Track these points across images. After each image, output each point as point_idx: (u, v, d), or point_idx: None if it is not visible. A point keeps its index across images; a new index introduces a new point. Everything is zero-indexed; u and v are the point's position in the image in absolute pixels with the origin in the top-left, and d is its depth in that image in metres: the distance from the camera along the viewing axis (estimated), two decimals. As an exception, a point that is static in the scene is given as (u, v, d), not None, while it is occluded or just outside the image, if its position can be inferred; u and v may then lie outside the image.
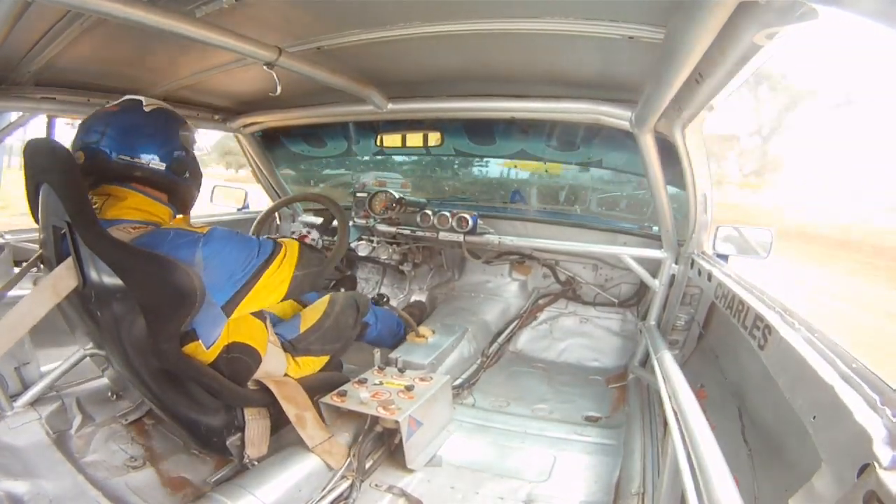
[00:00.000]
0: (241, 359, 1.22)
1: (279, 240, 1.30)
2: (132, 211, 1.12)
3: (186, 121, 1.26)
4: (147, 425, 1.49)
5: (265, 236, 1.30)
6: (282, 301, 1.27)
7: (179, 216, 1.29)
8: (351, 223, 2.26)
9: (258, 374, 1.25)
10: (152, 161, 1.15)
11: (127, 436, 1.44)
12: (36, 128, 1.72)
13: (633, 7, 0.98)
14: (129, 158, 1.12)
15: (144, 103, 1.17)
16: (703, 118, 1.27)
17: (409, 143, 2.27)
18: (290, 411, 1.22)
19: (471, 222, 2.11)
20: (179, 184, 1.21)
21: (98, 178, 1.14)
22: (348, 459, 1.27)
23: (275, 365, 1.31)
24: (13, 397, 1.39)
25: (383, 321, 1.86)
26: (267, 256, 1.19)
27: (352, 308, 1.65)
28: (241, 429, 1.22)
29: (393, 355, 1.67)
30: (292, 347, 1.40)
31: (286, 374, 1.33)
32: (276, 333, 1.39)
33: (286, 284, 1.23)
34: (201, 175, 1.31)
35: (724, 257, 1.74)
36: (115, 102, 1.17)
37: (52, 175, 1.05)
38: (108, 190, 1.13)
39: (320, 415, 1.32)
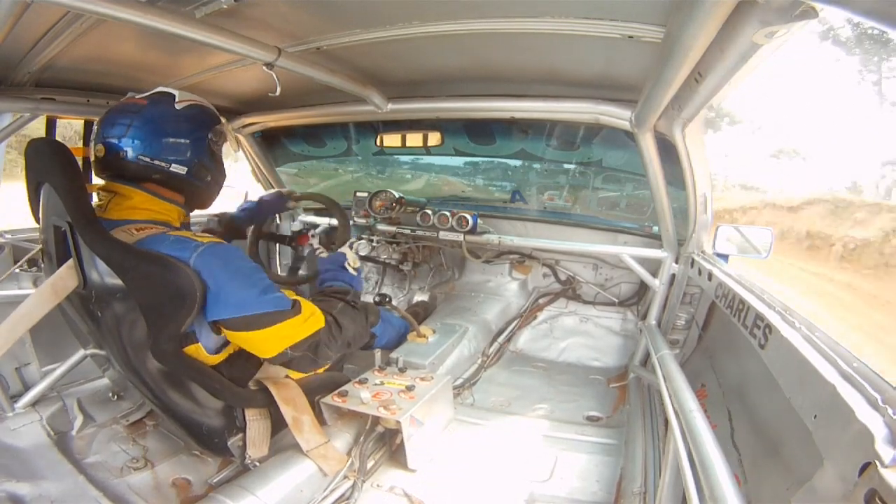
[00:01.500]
0: (241, 361, 1.21)
1: (307, 304, 1.14)
2: (138, 211, 1.10)
3: (221, 118, 1.21)
4: (148, 426, 1.49)
5: (294, 295, 1.13)
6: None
7: (188, 217, 1.28)
8: (351, 222, 2.26)
9: (259, 375, 1.25)
10: (173, 165, 1.10)
11: (128, 437, 1.44)
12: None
13: (633, 7, 0.98)
14: (149, 160, 1.08)
15: (177, 98, 1.12)
16: (703, 118, 1.27)
17: (409, 143, 2.26)
18: (287, 414, 1.20)
19: (471, 222, 2.11)
20: (199, 187, 1.18)
21: (114, 174, 1.10)
22: (350, 460, 1.27)
23: (276, 367, 1.30)
24: (14, 398, 1.40)
25: (390, 329, 1.84)
26: (276, 312, 1.05)
27: (363, 319, 1.62)
28: (243, 429, 1.22)
29: (393, 355, 1.67)
30: None
31: (287, 376, 1.33)
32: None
33: (273, 352, 1.08)
34: (224, 176, 1.27)
35: (725, 257, 1.74)
36: (145, 94, 1.11)
37: (53, 175, 1.04)
38: (114, 188, 1.10)
39: (319, 417, 1.32)
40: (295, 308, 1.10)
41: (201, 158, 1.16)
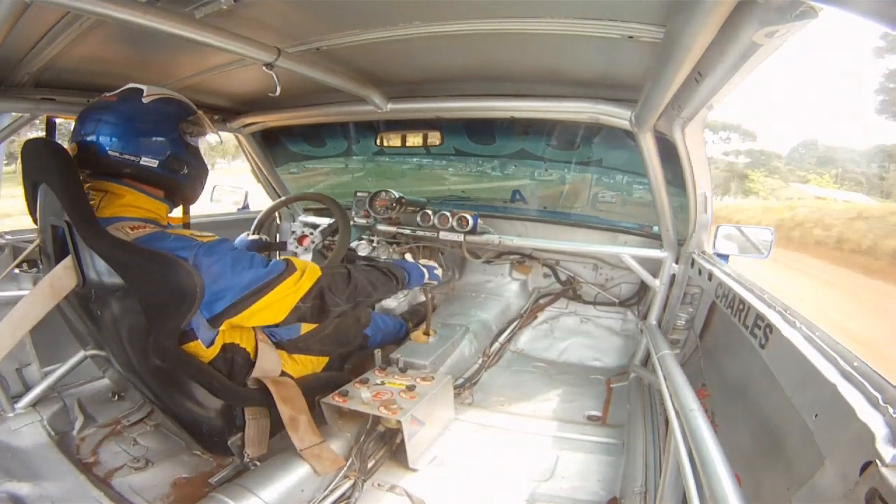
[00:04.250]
0: (237, 358, 1.21)
1: (299, 261, 1.19)
2: (130, 209, 1.10)
3: (196, 110, 1.21)
4: (148, 426, 1.49)
5: (283, 257, 1.24)
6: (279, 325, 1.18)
7: (178, 215, 1.27)
8: (351, 223, 2.26)
9: (256, 373, 1.25)
10: (143, 158, 1.10)
11: (129, 437, 1.44)
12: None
13: (633, 7, 0.98)
14: (118, 154, 1.08)
15: (145, 93, 1.12)
16: (703, 117, 1.27)
17: (409, 143, 2.28)
18: (284, 413, 1.20)
19: (471, 222, 2.11)
20: (175, 181, 1.18)
21: (92, 171, 1.11)
22: (350, 459, 1.27)
23: (269, 363, 1.29)
24: (14, 399, 1.40)
25: (384, 331, 1.85)
26: (272, 277, 1.10)
27: (352, 319, 1.64)
28: (242, 429, 1.22)
29: (394, 355, 1.67)
30: (289, 345, 1.40)
31: (285, 372, 1.33)
32: (274, 333, 1.39)
33: (285, 313, 1.13)
34: (205, 170, 1.26)
35: (725, 257, 1.74)
36: (115, 92, 1.12)
37: (51, 175, 1.04)
38: (104, 186, 1.11)
39: (320, 417, 1.32)
40: (289, 268, 1.15)
41: (173, 151, 1.15)
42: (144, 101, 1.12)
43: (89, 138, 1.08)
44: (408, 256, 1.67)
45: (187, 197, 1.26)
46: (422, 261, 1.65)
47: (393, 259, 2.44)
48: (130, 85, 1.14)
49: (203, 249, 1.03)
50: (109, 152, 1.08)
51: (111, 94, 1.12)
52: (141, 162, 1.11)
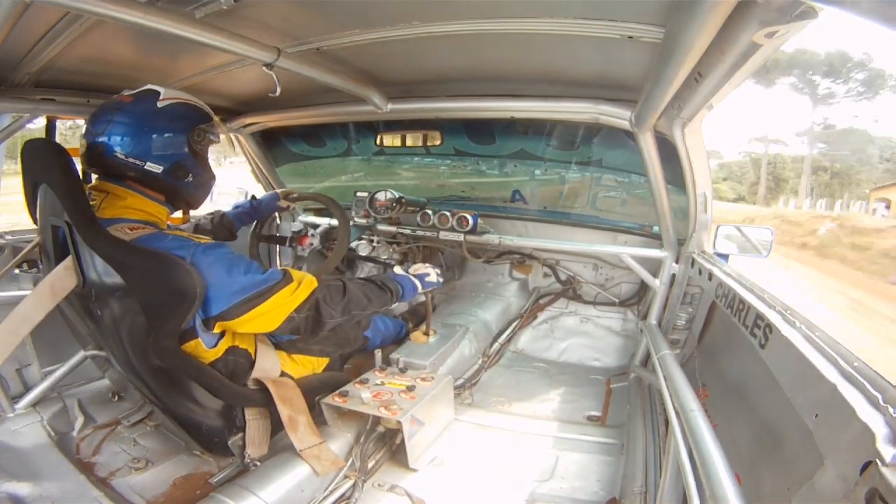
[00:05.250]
0: (239, 360, 1.21)
1: (296, 272, 1.18)
2: (130, 210, 1.11)
3: (211, 116, 1.20)
4: (149, 426, 1.49)
5: (282, 267, 1.23)
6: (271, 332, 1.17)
7: (178, 216, 1.27)
8: (351, 223, 2.26)
9: (256, 374, 1.25)
10: (148, 164, 1.10)
11: (129, 437, 1.44)
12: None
13: (633, 7, 0.98)
14: (123, 157, 1.08)
15: (161, 96, 1.11)
16: (703, 117, 1.27)
17: (408, 143, 2.28)
18: (283, 413, 1.20)
19: (471, 222, 2.11)
20: (178, 188, 1.17)
21: (98, 170, 1.12)
22: (350, 460, 1.27)
23: (269, 364, 1.29)
24: (15, 399, 1.40)
25: (384, 333, 1.85)
26: (269, 286, 1.09)
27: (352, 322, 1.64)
28: (242, 429, 1.22)
29: (394, 355, 1.67)
30: (289, 346, 1.40)
31: (284, 373, 1.33)
32: (273, 333, 1.38)
33: (278, 322, 1.12)
34: (211, 177, 1.26)
35: (725, 256, 1.74)
36: (132, 92, 1.12)
37: (51, 175, 1.05)
38: (106, 187, 1.11)
39: (320, 417, 1.32)
40: (286, 277, 1.13)
41: (179, 158, 1.14)
42: (159, 104, 1.11)
43: (99, 138, 1.07)
44: (397, 269, 1.65)
45: (189, 203, 1.26)
46: (413, 268, 1.62)
47: (393, 259, 2.45)
48: (148, 86, 1.13)
49: (200, 250, 1.04)
50: (116, 154, 1.07)
51: (129, 93, 1.11)
52: (145, 167, 1.10)
